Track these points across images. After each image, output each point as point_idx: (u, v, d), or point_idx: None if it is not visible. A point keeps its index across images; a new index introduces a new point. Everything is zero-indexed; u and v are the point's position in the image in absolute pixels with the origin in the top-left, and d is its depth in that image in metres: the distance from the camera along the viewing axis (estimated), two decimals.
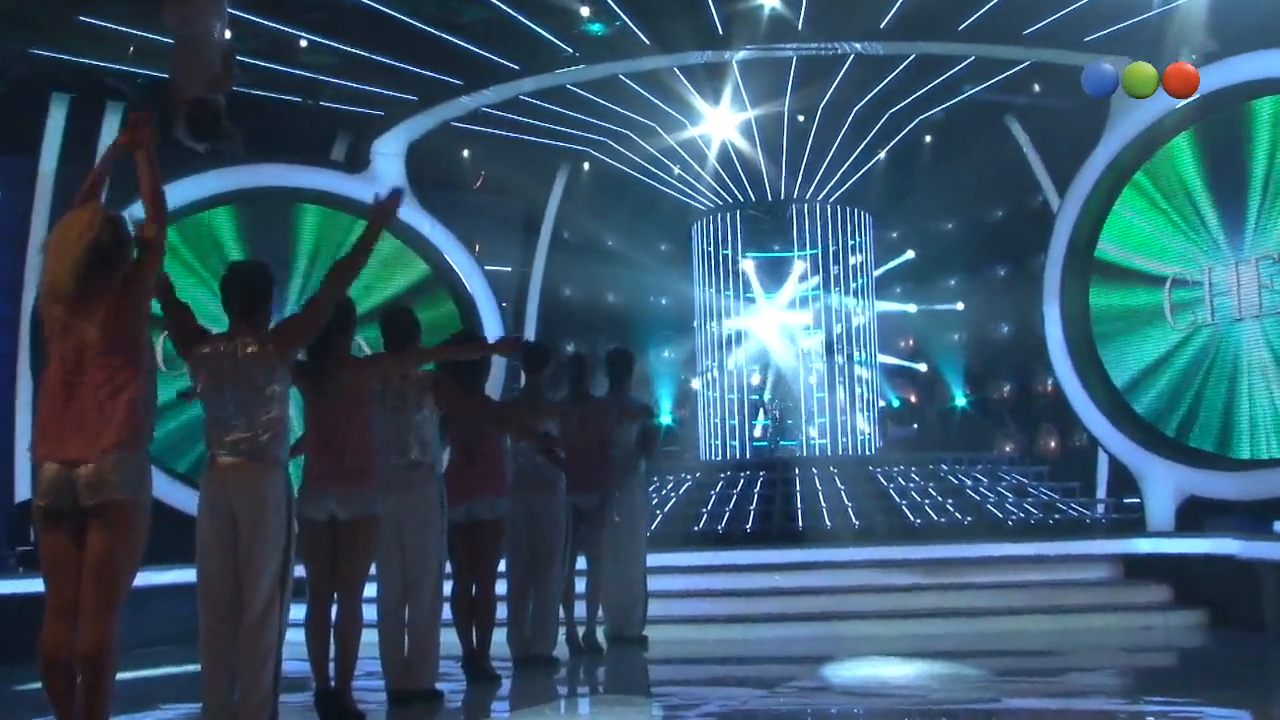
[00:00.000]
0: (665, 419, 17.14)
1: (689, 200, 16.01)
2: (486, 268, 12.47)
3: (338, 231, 11.72)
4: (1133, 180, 10.44)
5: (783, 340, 15.79)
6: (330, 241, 11.66)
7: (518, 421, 6.15)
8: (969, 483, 12.85)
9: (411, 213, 11.94)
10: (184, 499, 7.66)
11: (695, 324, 15.91)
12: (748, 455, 14.95)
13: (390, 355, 5.31)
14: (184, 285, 10.72)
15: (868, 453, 15.04)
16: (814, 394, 15.80)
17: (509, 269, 14.91)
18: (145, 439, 3.66)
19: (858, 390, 15.25)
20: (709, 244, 15.80)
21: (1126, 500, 11.10)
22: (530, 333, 14.62)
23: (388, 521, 5.04)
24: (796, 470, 13.00)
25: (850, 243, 15.58)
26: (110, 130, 10.68)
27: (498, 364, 11.71)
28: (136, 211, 3.85)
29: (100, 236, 3.61)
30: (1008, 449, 15.69)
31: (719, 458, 15.11)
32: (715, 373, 15.52)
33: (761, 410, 15.66)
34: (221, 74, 5.04)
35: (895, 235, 16.84)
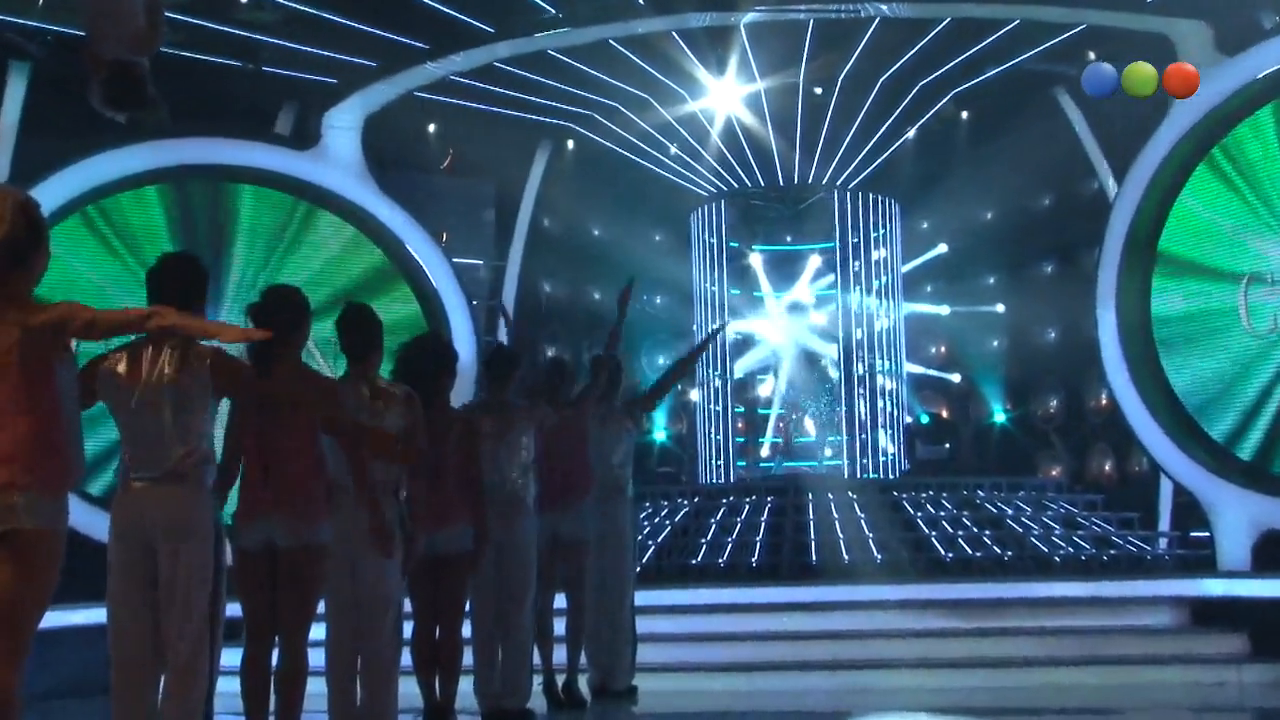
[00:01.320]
0: (659, 435, 17.15)
1: (688, 185, 16.03)
2: (454, 260, 12.54)
3: (280, 216, 11.71)
4: (1204, 162, 10.39)
5: (795, 346, 15.81)
6: (271, 228, 11.64)
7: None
8: (1010, 512, 12.85)
9: (368, 196, 11.95)
10: (98, 526, 7.72)
11: (694, 327, 15.92)
12: (754, 477, 14.99)
13: (342, 388, 5.29)
14: (103, 275, 10.83)
15: (892, 476, 14.98)
16: (831, 408, 15.84)
17: (480, 262, 15.01)
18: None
19: (881, 404, 15.26)
20: (711, 235, 15.80)
21: (1194, 535, 11.12)
22: (503, 335, 14.59)
23: (338, 552, 5.04)
24: (810, 495, 12.97)
25: (874, 235, 15.58)
26: (15, 96, 10.64)
27: (466, 373, 11.70)
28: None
29: (13, 230, 3.54)
30: (1054, 473, 15.70)
31: (721, 480, 15.09)
32: (717, 383, 15.50)
33: (770, 426, 15.67)
34: (146, 32, 4.92)
35: (926, 226, 16.86)
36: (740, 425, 15.49)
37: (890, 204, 15.70)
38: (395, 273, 12.07)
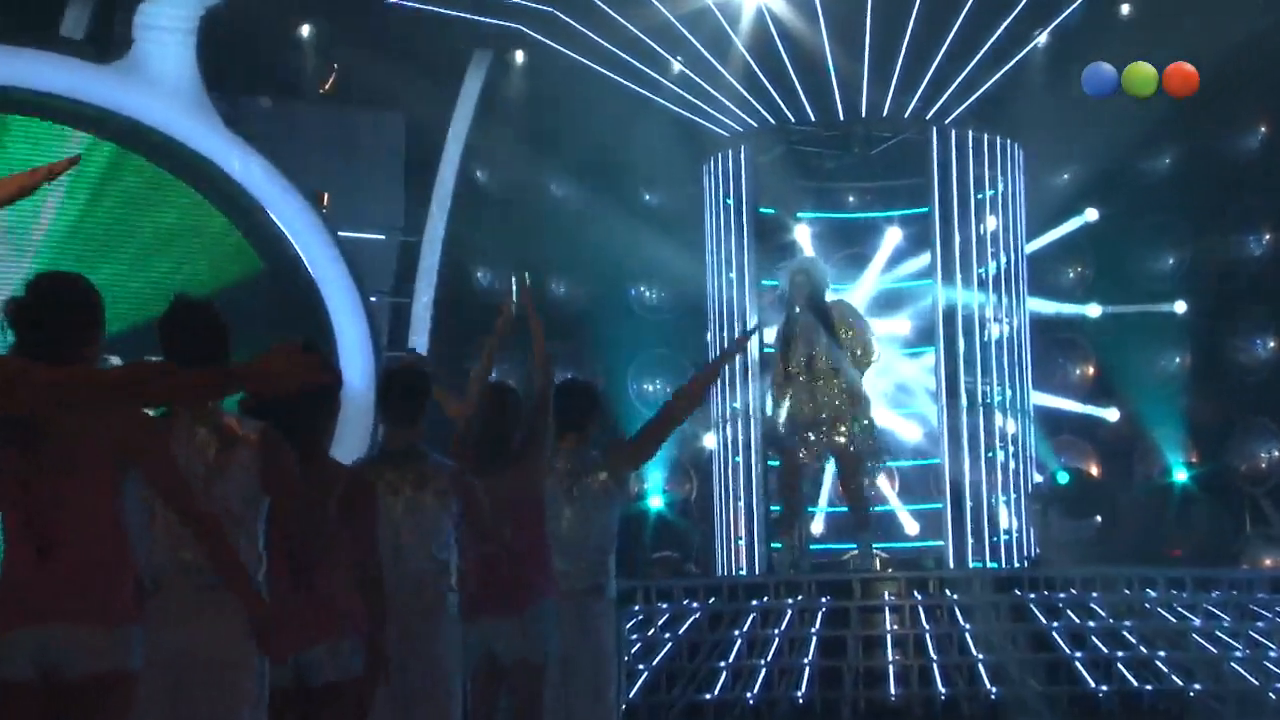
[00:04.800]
0: (655, 502, 16.98)
1: (698, 120, 15.92)
2: (342, 234, 12.79)
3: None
4: None
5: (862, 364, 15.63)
6: (57, 180, 11.63)
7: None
8: (1197, 622, 12.81)
9: (205, 134, 12.02)
10: None
11: (709, 335, 15.81)
12: (800, 566, 14.41)
13: (167, 429, 5.38)
14: None
15: (1014, 563, 14.94)
16: (918, 460, 15.73)
17: (382, 236, 15.24)
18: None
19: (995, 454, 15.15)
20: (730, 194, 15.63)
21: None
22: (420, 346, 14.59)
23: (155, 675, 5.11)
24: (886, 594, 12.99)
25: (986, 194, 15.44)
26: None
27: (357, 406, 11.65)
28: None
29: None
30: (1268, 563, 15.59)
31: (748, 570, 14.96)
32: (742, 420, 15.30)
33: (824, 488, 15.58)
34: None
35: (1065, 179, 16.66)
36: (778, 485, 15.34)
37: (1011, 148, 15.50)
38: (246, 250, 12.40)
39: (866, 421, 13.61)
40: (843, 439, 13.48)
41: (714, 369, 9.33)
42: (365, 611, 6.13)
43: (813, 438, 13.53)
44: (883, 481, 16.11)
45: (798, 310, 13.56)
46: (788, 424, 13.80)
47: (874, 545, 14.61)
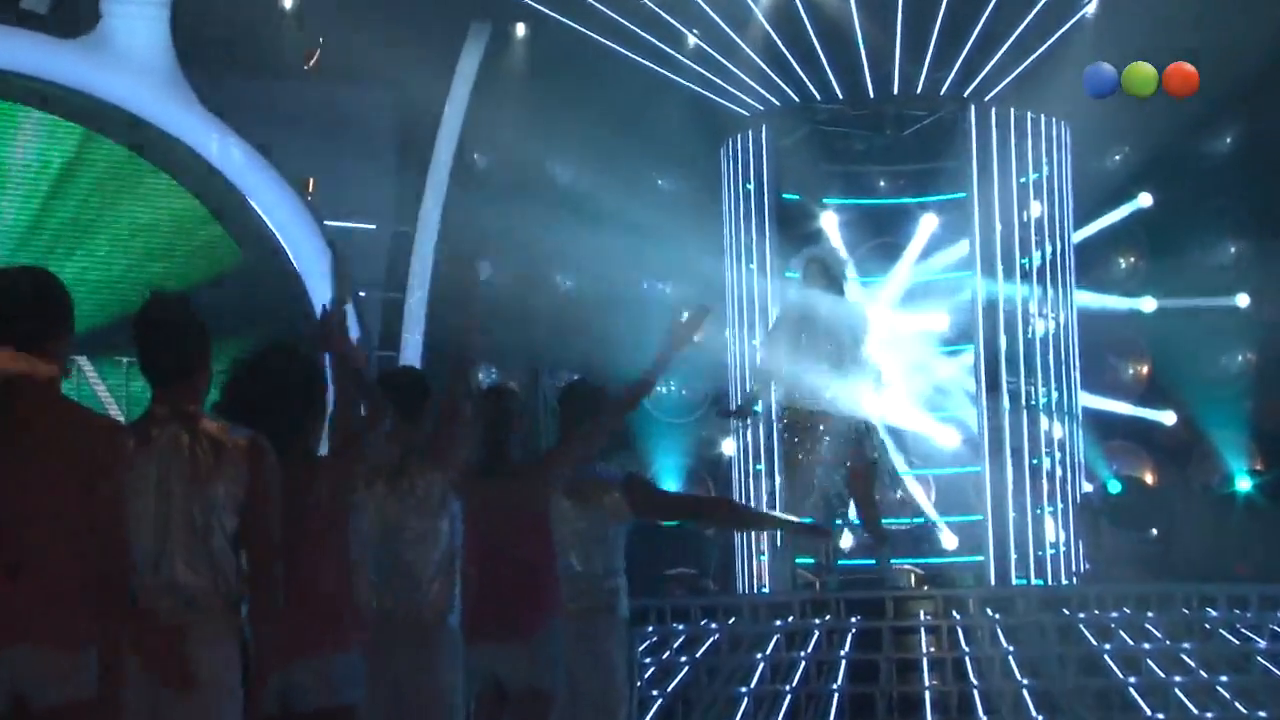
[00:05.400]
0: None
1: (715, 98, 15.94)
2: (329, 223, 12.93)
3: (32, 146, 11.97)
4: None
5: (896, 363, 15.43)
6: (19, 165, 11.91)
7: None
8: (1262, 644, 12.83)
9: (179, 114, 12.11)
10: None
11: (727, 332, 15.79)
12: (829, 583, 14.64)
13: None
14: None
15: (1060, 579, 14.99)
16: (955, 466, 15.75)
17: (372, 226, 15.32)
18: None
19: (1040, 461, 15.18)
20: (750, 179, 15.64)
21: None
22: (413, 346, 14.80)
23: (131, 701, 5.09)
24: (921, 614, 13.01)
25: (1030, 178, 15.43)
26: None
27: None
28: None
29: None
30: None
31: (771, 588, 14.81)
32: (763, 423, 15.18)
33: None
34: None
35: (1117, 160, 16.78)
36: (792, 495, 15.24)
37: (1058, 127, 15.46)
38: (225, 240, 12.48)
39: (874, 432, 13.47)
40: (847, 448, 13.32)
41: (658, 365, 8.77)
42: (356, 627, 6.19)
43: (808, 445, 13.40)
44: (918, 492, 16.18)
45: (810, 306, 13.46)
46: (784, 427, 13.81)
47: (905, 560, 14.71)
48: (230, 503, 5.44)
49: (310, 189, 12.99)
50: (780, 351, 13.62)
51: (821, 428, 13.24)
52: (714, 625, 13.26)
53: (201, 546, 5.43)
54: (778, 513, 8.75)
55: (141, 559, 5.34)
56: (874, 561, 14.44)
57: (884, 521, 13.98)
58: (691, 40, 15.48)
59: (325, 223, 12.85)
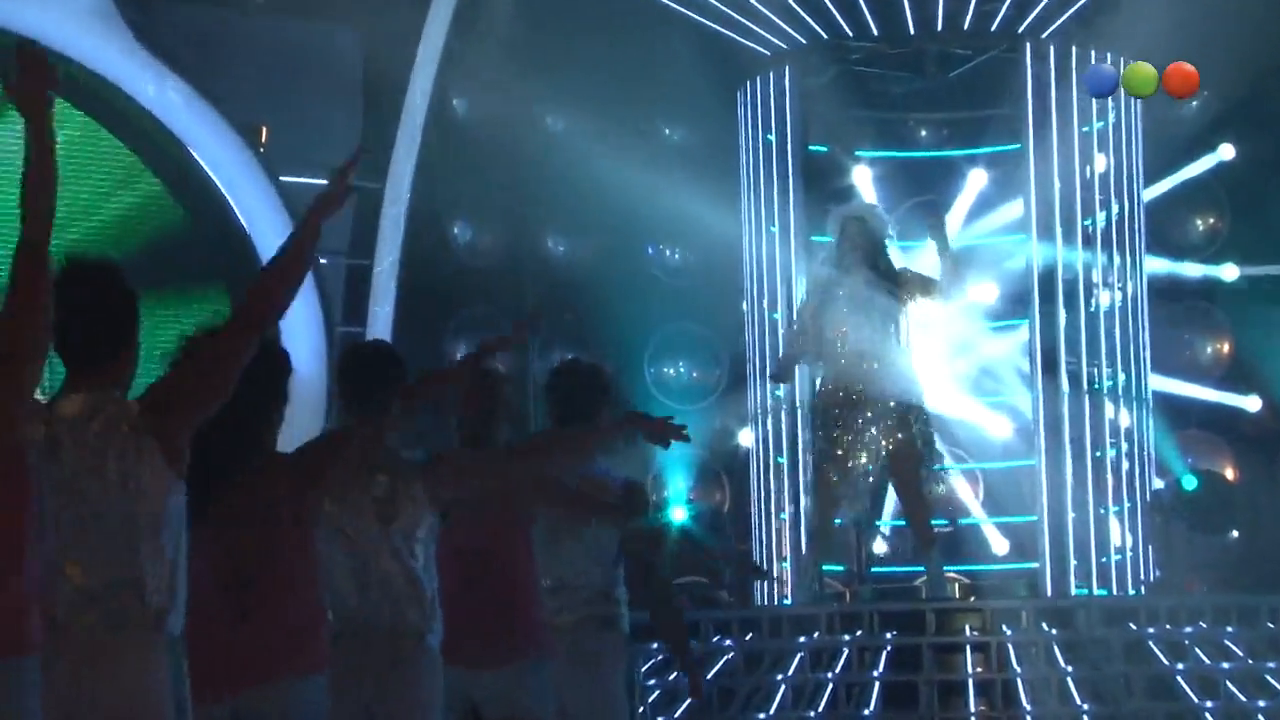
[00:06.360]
0: (677, 514, 16.88)
1: (731, 34, 15.85)
2: (284, 178, 13.12)
3: None
4: None
5: (940, 340, 15.54)
6: None
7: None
8: None
9: (114, 56, 12.41)
10: None
11: (745, 305, 15.87)
12: (861, 594, 14.72)
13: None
14: None
15: (1127, 589, 15.03)
16: (1004, 457, 15.95)
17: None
18: None
19: (1104, 453, 15.22)
20: (772, 129, 15.63)
21: None
22: (383, 320, 14.81)
23: None
24: (967, 628, 13.11)
25: (1090, 128, 15.46)
26: None
27: (309, 386, 11.80)
28: None
29: None
30: None
31: (794, 600, 14.96)
32: (785, 412, 15.34)
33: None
34: None
35: (1194, 107, 16.72)
36: (831, 492, 15.20)
37: (1126, 68, 15.43)
38: (162, 197, 12.56)
39: (921, 416, 13.56)
40: (888, 438, 13.38)
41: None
42: (314, 644, 6.29)
43: (849, 435, 13.44)
44: (963, 489, 16.30)
45: (849, 268, 13.44)
46: (816, 413, 13.92)
47: (947, 567, 14.62)
48: (159, 490, 5.49)
49: (263, 138, 12.97)
50: (808, 339, 13.57)
51: (869, 414, 13.33)
52: (728, 642, 13.31)
53: (121, 547, 5.47)
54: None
55: (45, 564, 5.32)
56: (920, 568, 14.51)
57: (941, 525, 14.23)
58: None
59: (280, 177, 12.81)
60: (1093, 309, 15.38)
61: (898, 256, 14.11)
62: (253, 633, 6.19)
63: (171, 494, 5.51)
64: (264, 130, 13.48)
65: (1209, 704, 12.20)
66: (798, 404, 15.07)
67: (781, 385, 14.63)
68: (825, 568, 14.69)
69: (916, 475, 13.50)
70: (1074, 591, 14.61)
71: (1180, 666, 12.59)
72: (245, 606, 6.21)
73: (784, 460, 15.29)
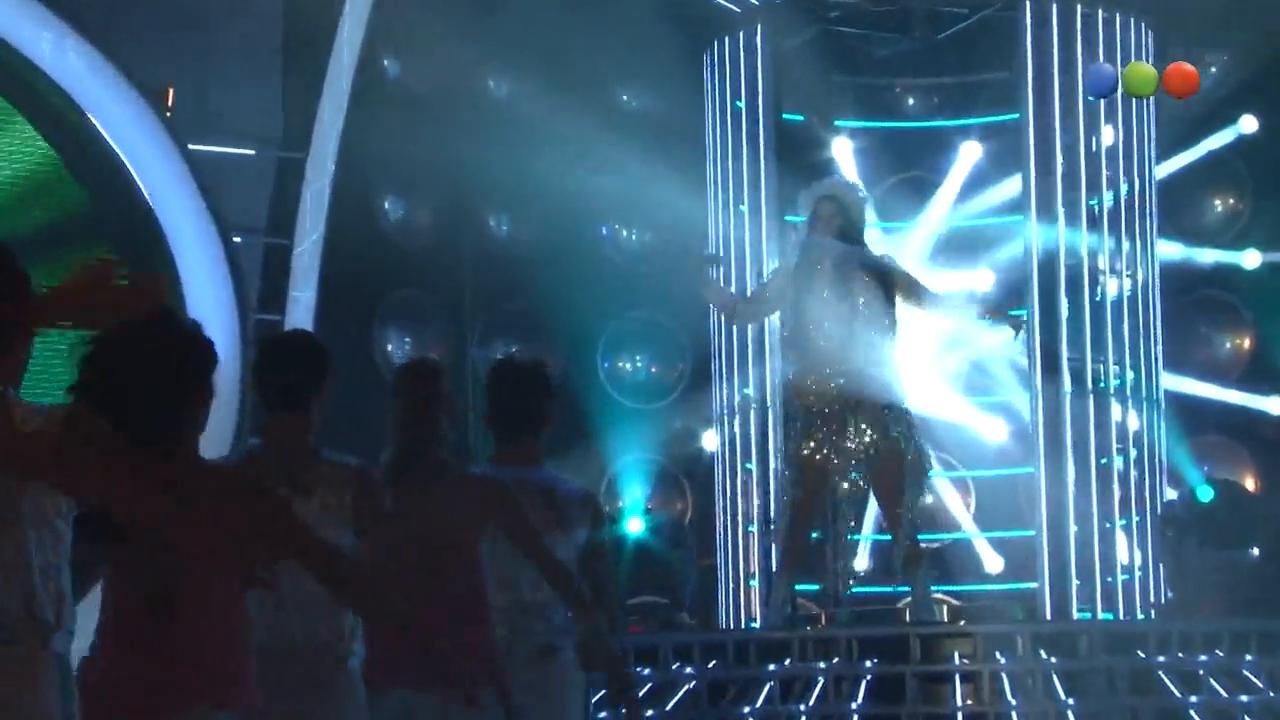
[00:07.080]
0: (634, 525, 17.08)
1: None
2: (194, 146, 13.42)
3: None
4: None
5: (929, 334, 15.53)
6: None
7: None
8: None
9: (4, 10, 12.74)
10: None
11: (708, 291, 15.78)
12: (838, 615, 14.87)
13: None
14: None
15: (1135, 613, 15.18)
16: (998, 464, 16.17)
17: (250, 152, 15.77)
18: None
19: (1111, 460, 15.37)
20: (742, 95, 15.82)
21: None
22: (304, 306, 14.91)
23: None
24: (958, 656, 13.16)
25: (1096, 97, 15.40)
26: None
27: (221, 384, 11.73)
28: None
29: None
30: None
31: (761, 622, 15.05)
32: (754, 413, 15.50)
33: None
34: None
35: (1214, 72, 16.79)
36: (805, 502, 15.13)
37: (1137, 30, 15.62)
38: (55, 167, 12.98)
39: (905, 417, 13.48)
40: (869, 440, 13.32)
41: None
42: (233, 673, 6.21)
43: (821, 444, 13.39)
44: (953, 500, 16.47)
45: (822, 251, 13.34)
46: (787, 410, 13.93)
47: (934, 587, 14.71)
48: (52, 501, 5.56)
49: (169, 102, 12.84)
50: (764, 306, 13.48)
51: (847, 413, 13.27)
52: (689, 669, 13.37)
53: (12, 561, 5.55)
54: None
55: None
56: (904, 588, 14.54)
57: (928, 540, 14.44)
58: None
59: (189, 146, 12.84)
60: (1098, 299, 15.49)
61: (880, 242, 14.05)
62: (169, 655, 6.07)
63: (61, 515, 5.56)
64: (170, 93, 13.57)
65: None
66: (768, 403, 15.23)
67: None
68: (798, 587, 14.74)
69: (898, 484, 13.42)
70: (1076, 615, 14.77)
71: (1194, 699, 12.68)
72: (165, 631, 6.08)
73: (753, 466, 15.45)
